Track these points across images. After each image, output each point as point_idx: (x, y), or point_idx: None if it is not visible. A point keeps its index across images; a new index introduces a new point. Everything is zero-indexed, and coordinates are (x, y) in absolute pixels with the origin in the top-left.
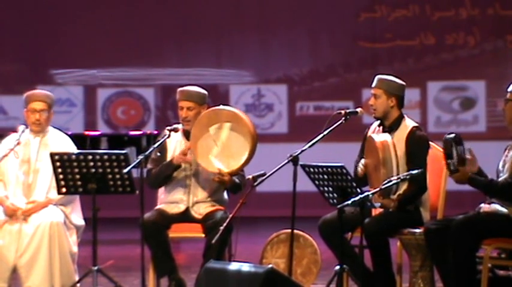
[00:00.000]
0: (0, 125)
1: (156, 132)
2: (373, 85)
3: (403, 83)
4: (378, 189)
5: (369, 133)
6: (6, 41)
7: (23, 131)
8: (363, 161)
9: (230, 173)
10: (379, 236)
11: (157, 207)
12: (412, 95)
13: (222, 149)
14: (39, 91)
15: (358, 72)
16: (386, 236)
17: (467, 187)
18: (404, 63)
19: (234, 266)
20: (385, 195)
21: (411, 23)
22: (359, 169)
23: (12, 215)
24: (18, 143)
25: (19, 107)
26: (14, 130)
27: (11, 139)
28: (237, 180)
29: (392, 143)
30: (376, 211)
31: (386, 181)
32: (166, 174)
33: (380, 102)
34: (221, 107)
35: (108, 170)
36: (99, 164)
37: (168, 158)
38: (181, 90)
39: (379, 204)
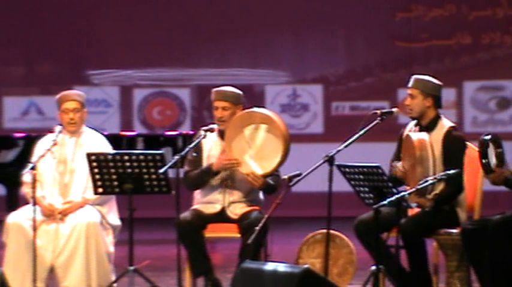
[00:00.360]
0: (37, 125)
1: (192, 132)
2: (410, 85)
3: (440, 83)
4: (413, 189)
5: (405, 133)
6: (42, 42)
7: (59, 132)
8: (399, 163)
9: (263, 175)
10: (416, 236)
11: (193, 207)
12: (448, 95)
13: (256, 151)
14: (70, 91)
15: (394, 72)
16: (422, 236)
17: (504, 187)
18: (441, 63)
19: (269, 266)
20: (421, 194)
21: (447, 23)
22: (397, 170)
23: (49, 215)
24: (54, 144)
25: (56, 108)
26: (51, 131)
27: (47, 140)
28: (271, 181)
29: (430, 141)
30: (412, 211)
31: (422, 181)
32: (206, 179)
33: (416, 102)
34: (254, 109)
35: (144, 170)
36: (135, 164)
37: (204, 159)
38: (217, 91)
39: (415, 204)
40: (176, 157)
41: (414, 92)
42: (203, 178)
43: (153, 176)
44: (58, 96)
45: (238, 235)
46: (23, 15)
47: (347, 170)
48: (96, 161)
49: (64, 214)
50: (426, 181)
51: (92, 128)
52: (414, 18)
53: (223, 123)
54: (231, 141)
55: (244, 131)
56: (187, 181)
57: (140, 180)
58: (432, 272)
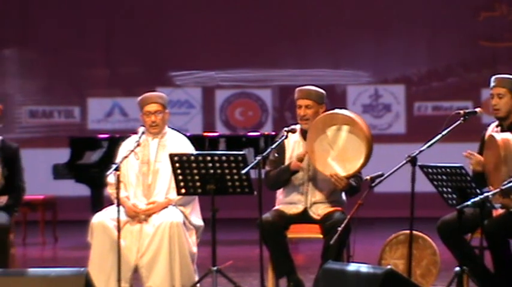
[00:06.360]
0: (121, 127)
1: (273, 133)
2: (495, 85)
3: None
4: (497, 190)
5: (487, 134)
6: (126, 44)
7: (142, 133)
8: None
9: (346, 177)
10: (500, 237)
11: (276, 207)
12: None
13: (339, 153)
14: (151, 93)
15: (478, 72)
16: (507, 237)
17: None
18: None
19: (352, 267)
20: (505, 195)
21: None
22: (472, 161)
23: (133, 216)
24: (138, 145)
25: (139, 109)
26: (134, 132)
27: (131, 141)
28: (353, 183)
29: None
30: (496, 212)
31: (507, 181)
32: (284, 178)
33: (504, 101)
34: (336, 110)
35: (227, 171)
36: (217, 165)
37: (286, 159)
38: (300, 89)
39: (500, 205)
40: (258, 158)
41: (502, 91)
42: (282, 177)
43: (235, 177)
44: (139, 98)
45: (321, 236)
46: (106, 18)
47: (430, 170)
48: (179, 162)
49: (148, 214)
50: (510, 181)
51: (175, 129)
52: (498, 18)
53: (306, 121)
54: (312, 142)
55: (326, 132)
56: (268, 180)
57: (222, 181)
58: None
